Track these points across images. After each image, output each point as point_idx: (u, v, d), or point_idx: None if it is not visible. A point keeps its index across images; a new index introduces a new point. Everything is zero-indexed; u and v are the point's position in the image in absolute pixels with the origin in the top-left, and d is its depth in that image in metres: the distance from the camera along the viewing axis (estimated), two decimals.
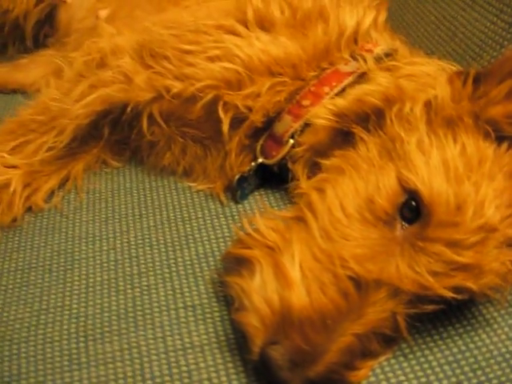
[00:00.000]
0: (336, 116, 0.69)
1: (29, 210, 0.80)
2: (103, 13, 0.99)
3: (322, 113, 0.70)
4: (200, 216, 0.76)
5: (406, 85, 0.66)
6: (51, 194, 0.82)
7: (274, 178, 0.79)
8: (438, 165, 0.56)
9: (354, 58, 0.76)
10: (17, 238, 0.75)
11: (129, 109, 0.78)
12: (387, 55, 0.75)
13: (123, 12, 0.95)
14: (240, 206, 0.78)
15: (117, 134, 0.84)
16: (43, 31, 1.13)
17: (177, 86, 0.75)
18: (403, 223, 0.56)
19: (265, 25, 0.78)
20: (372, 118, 0.66)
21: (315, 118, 0.70)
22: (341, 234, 0.56)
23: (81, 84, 0.79)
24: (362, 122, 0.66)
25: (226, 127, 0.74)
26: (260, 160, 0.76)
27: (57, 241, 0.74)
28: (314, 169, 0.71)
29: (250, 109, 0.73)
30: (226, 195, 0.79)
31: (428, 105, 0.62)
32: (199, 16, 0.82)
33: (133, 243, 0.72)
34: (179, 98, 0.76)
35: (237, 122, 0.74)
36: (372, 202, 0.57)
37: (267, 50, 0.75)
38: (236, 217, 0.75)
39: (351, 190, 0.59)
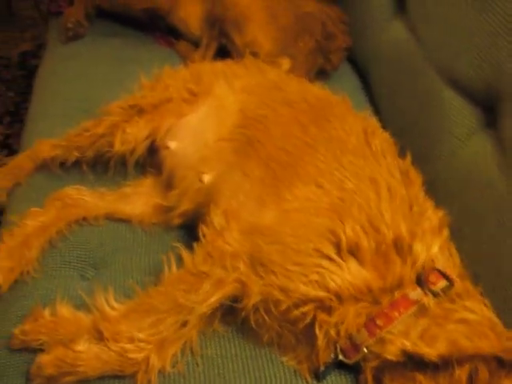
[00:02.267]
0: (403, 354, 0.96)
1: None
2: (206, 178, 1.23)
3: (393, 349, 0.97)
4: None
5: (463, 343, 0.93)
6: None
7: None
8: None
9: (420, 284, 1.03)
10: None
11: (240, 305, 1.05)
12: (446, 289, 1.01)
13: (226, 188, 1.18)
14: None
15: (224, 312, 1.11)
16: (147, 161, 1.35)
17: (281, 299, 1.02)
18: None
19: (353, 251, 1.03)
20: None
21: (388, 354, 0.97)
22: None
23: (204, 283, 1.04)
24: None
25: (320, 342, 1.01)
26: (340, 358, 1.04)
27: None
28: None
29: (338, 333, 1.00)
30: (310, 374, 1.08)
31: None
32: (295, 227, 1.07)
33: None
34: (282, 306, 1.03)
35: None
36: None
37: (355, 279, 1.00)
38: None
39: None
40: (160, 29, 2.00)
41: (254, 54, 1.59)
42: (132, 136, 1.30)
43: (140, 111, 1.31)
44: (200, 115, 1.31)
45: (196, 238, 1.13)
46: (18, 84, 3.06)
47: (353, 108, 1.32)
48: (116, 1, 1.96)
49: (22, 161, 1.42)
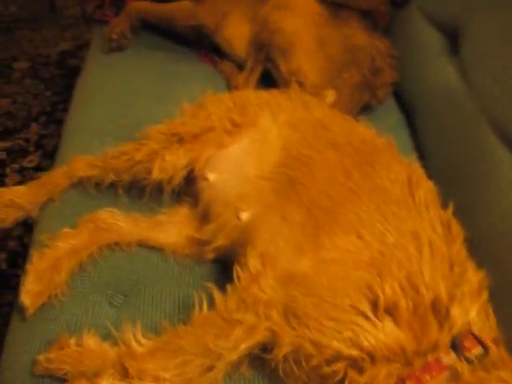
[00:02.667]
0: None
1: None
2: (244, 215, 1.21)
3: None
4: None
5: None
6: None
7: None
8: None
9: (454, 348, 0.99)
10: None
11: (270, 354, 1.03)
12: (481, 357, 0.98)
13: (264, 229, 1.16)
14: None
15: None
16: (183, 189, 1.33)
17: (313, 353, 1.00)
18: None
19: (390, 310, 1.01)
20: None
21: None
22: None
23: (235, 330, 1.03)
24: None
25: None
26: None
27: None
28: None
29: None
30: None
31: None
32: (333, 280, 1.05)
33: None
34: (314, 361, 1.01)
35: None
36: None
37: (390, 340, 0.98)
38: None
39: None
40: (205, 46, 1.99)
41: (299, 84, 1.56)
42: (171, 164, 1.29)
43: (180, 139, 1.30)
44: (241, 147, 1.29)
45: (228, 275, 1.11)
46: (56, 83, 3.09)
47: (397, 151, 1.28)
48: (162, 16, 1.95)
49: (58, 177, 1.42)
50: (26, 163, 2.63)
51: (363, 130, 1.30)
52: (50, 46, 3.39)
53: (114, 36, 1.93)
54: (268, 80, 1.78)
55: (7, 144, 2.73)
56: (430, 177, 1.25)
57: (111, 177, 1.34)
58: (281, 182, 1.20)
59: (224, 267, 1.26)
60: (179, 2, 1.97)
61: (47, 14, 3.67)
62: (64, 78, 3.14)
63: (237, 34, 1.86)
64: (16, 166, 2.61)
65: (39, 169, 2.59)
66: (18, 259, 2.19)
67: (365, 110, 1.71)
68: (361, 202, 1.12)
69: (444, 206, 1.18)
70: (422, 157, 1.59)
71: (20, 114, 2.89)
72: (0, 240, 2.21)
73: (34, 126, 2.83)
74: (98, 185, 1.41)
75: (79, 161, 1.41)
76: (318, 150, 1.21)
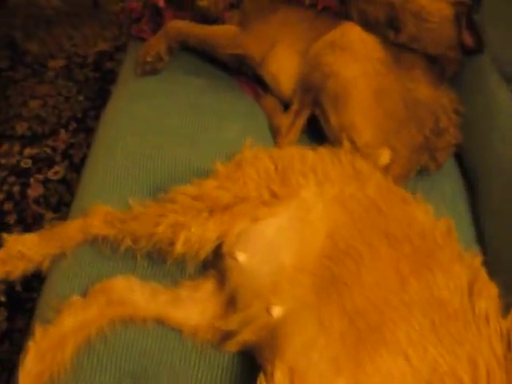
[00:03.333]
0: None
1: None
2: (276, 311, 1.06)
3: None
4: None
5: None
6: None
7: None
8: None
9: None
10: None
11: None
12: None
13: (297, 334, 1.00)
14: None
15: None
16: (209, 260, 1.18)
17: None
18: None
19: None
20: None
21: None
22: None
23: None
24: None
25: None
26: None
27: None
28: None
29: None
30: None
31: None
32: None
33: None
34: None
35: None
36: None
37: None
38: None
39: None
40: (247, 75, 1.82)
41: (351, 141, 1.39)
42: (197, 237, 1.14)
43: (210, 209, 1.15)
44: (279, 224, 1.14)
45: (252, 372, 1.01)
46: (90, 87, 2.97)
47: (458, 242, 1.12)
48: (203, 40, 1.80)
49: (72, 230, 1.29)
50: (51, 174, 2.52)
51: (422, 216, 1.13)
52: (89, 45, 3.27)
53: (149, 59, 1.78)
54: (314, 123, 1.60)
55: (33, 151, 2.62)
56: (491, 274, 1.08)
57: (128, 242, 1.19)
58: (322, 277, 1.04)
59: (248, 361, 1.11)
60: (224, 26, 1.81)
61: (90, 10, 3.54)
62: (98, 81, 3.02)
63: (284, 68, 1.69)
64: (40, 176, 2.51)
65: (64, 182, 2.48)
66: (33, 282, 2.09)
67: (420, 172, 1.53)
68: (413, 319, 0.96)
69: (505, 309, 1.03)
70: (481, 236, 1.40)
71: (50, 118, 2.78)
72: None
73: (63, 134, 2.71)
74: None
75: (96, 214, 1.27)
76: (369, 244, 1.04)
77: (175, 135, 1.58)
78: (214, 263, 1.21)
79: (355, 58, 1.50)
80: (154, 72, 1.82)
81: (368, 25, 1.60)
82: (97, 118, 2.68)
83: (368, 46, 1.51)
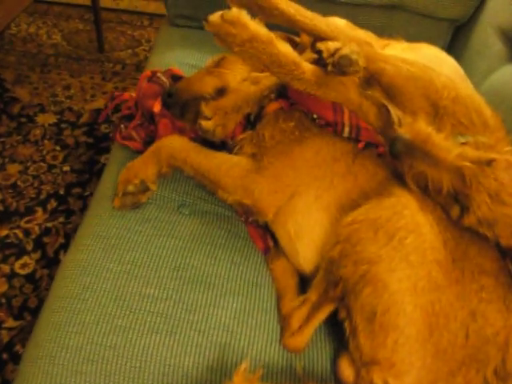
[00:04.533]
0: None
1: None
2: None
3: None
4: None
5: None
6: None
7: None
8: None
9: None
10: None
11: None
12: None
13: None
14: None
15: None
16: None
17: None
18: None
19: None
20: None
21: None
22: None
23: None
24: None
25: None
26: None
27: None
28: None
29: None
30: None
31: None
32: None
33: None
34: None
35: None
36: None
37: None
38: None
39: None
40: (256, 221, 1.40)
41: (383, 381, 0.97)
42: None
43: None
44: None
45: None
46: (79, 156, 2.57)
47: None
48: (203, 175, 1.37)
49: None
50: (17, 268, 2.11)
51: None
52: (86, 99, 2.86)
53: (131, 188, 1.36)
54: None
55: (2, 232, 2.22)
56: None
57: None
58: None
59: None
60: (231, 158, 1.38)
61: (94, 54, 3.15)
62: (89, 149, 2.61)
63: (305, 229, 1.27)
64: (7, 268, 2.10)
65: (32, 279, 2.07)
66: None
67: None
68: None
69: None
70: None
71: (27, 191, 2.38)
72: None
73: (40, 213, 2.31)
74: None
75: None
76: None
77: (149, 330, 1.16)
78: None
79: (406, 255, 1.06)
80: (135, 207, 1.40)
81: (425, 192, 1.17)
82: (80, 198, 2.28)
83: (426, 239, 1.08)
